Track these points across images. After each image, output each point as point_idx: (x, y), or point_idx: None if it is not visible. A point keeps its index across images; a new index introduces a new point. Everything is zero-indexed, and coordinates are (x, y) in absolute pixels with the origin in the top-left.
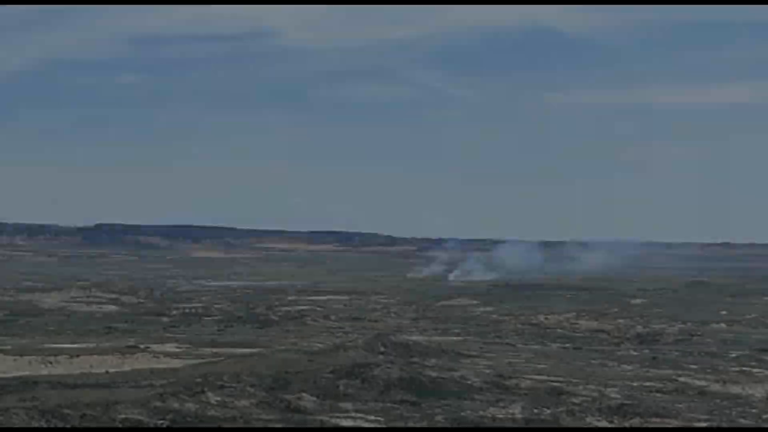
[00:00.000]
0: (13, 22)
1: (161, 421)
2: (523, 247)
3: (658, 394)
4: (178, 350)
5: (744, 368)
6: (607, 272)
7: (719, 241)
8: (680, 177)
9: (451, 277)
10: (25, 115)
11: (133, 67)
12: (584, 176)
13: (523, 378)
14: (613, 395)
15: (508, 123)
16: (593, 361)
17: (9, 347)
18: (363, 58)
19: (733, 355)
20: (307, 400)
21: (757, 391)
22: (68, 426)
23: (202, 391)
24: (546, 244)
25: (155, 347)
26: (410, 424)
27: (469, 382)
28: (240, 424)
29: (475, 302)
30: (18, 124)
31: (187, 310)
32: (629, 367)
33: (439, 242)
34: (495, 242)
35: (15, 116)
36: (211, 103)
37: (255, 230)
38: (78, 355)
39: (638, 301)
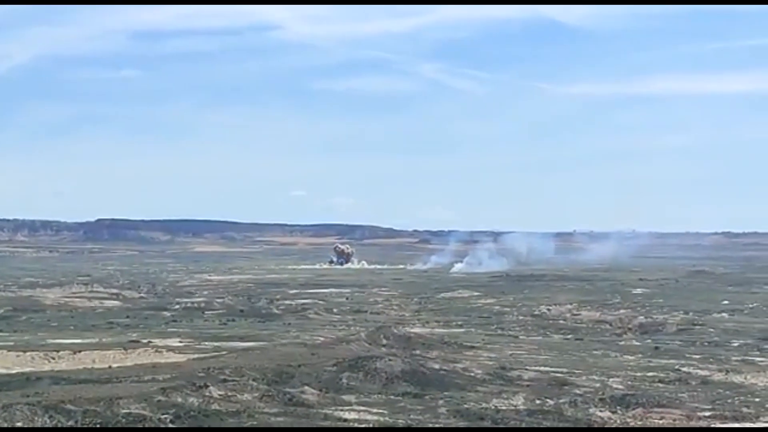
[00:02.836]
0: (14, 19)
1: (164, 416)
2: (527, 238)
3: (661, 384)
4: (180, 345)
5: (746, 357)
6: (613, 262)
7: (720, 230)
8: (681, 167)
9: (454, 268)
10: (25, 111)
11: (133, 62)
12: (586, 167)
13: (526, 369)
14: (615, 386)
15: (510, 114)
16: (595, 352)
17: (11, 343)
18: (364, 50)
19: (735, 345)
20: (310, 394)
21: (760, 380)
22: (71, 421)
23: (205, 386)
24: (550, 236)
25: (157, 342)
26: (413, 417)
27: (471, 373)
28: (243, 418)
29: (476, 294)
30: (18, 119)
31: (188, 305)
32: (632, 358)
33: (440, 234)
34: (497, 234)
35: (16, 112)
36: (212, 97)
37: (256, 224)
38: (80, 351)
39: (640, 291)
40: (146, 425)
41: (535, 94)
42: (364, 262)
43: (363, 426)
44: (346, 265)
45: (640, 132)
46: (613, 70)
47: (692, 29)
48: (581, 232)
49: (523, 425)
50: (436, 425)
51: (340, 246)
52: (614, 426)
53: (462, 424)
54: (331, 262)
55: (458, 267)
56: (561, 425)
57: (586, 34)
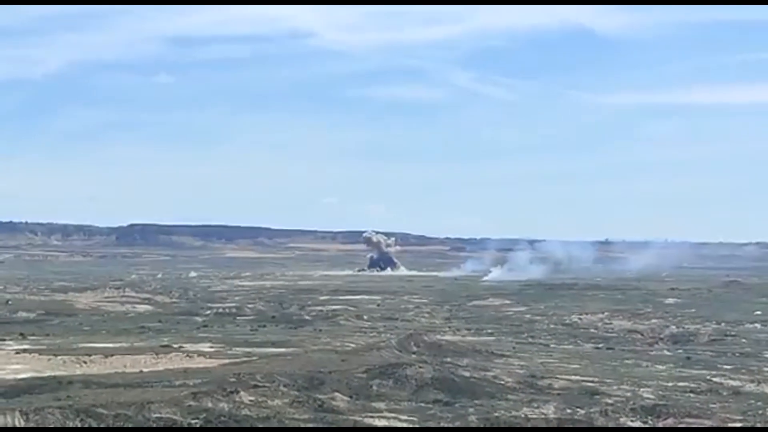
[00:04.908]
0: (48, 25)
1: (195, 421)
2: (565, 246)
3: (692, 395)
4: (211, 350)
5: None
6: (654, 272)
7: (755, 241)
8: (716, 177)
9: (489, 276)
10: (59, 116)
11: (167, 68)
12: (619, 177)
13: (557, 378)
14: (646, 395)
15: (543, 123)
16: (627, 362)
17: (43, 347)
18: (397, 58)
19: None
20: (340, 400)
21: None
22: (102, 425)
23: (236, 391)
24: (588, 244)
25: (189, 347)
26: (443, 424)
27: (502, 382)
28: (273, 424)
29: (507, 302)
30: (52, 124)
31: (220, 310)
32: (663, 368)
33: (471, 242)
34: (529, 242)
35: (50, 117)
36: (246, 103)
37: (288, 230)
38: (112, 355)
39: (672, 301)
40: None
41: (569, 103)
42: (402, 267)
43: None
44: (386, 271)
45: (674, 141)
46: (648, 79)
47: (729, 39)
48: (613, 241)
49: None
50: None
51: (375, 238)
52: None
53: None
54: (371, 266)
55: (494, 274)
56: None
57: (621, 44)
